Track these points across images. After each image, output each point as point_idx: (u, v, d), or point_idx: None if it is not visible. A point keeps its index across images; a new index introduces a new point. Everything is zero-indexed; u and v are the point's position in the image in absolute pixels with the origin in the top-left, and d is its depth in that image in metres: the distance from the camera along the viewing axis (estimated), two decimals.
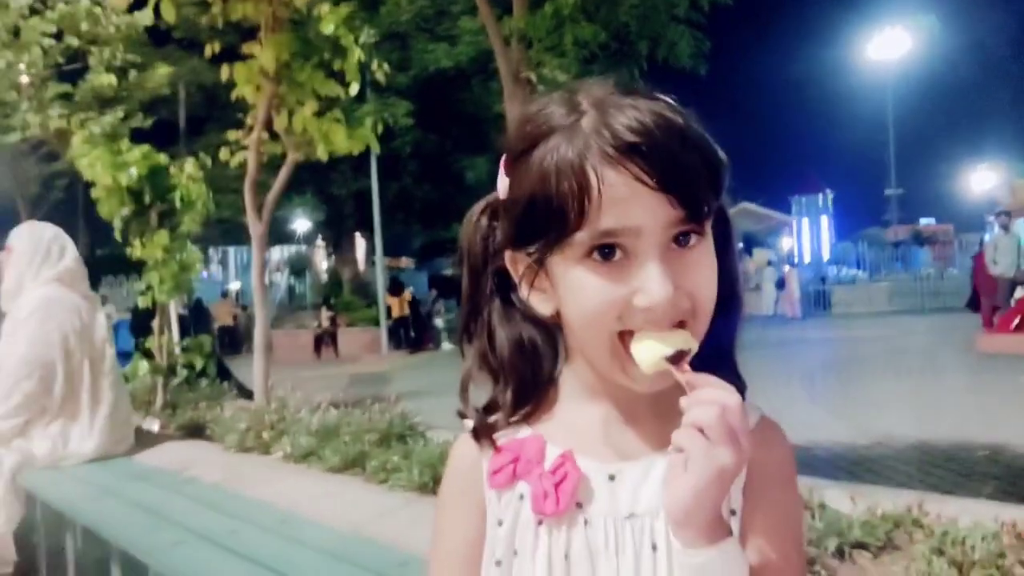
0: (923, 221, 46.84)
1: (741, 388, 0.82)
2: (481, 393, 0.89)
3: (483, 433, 0.87)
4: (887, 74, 34.61)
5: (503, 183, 0.80)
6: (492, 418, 0.87)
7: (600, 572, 0.79)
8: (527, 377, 0.86)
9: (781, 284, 24.72)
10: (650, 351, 0.72)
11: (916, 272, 25.90)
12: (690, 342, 0.73)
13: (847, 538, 2.68)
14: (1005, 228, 13.21)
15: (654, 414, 0.81)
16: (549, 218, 0.73)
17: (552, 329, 0.86)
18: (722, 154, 0.76)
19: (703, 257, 0.75)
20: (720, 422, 0.67)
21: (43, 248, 4.41)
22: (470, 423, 0.88)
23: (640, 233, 0.71)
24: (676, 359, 0.72)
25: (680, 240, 0.73)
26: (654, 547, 0.78)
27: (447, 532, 0.92)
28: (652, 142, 0.70)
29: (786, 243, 37.90)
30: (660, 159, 0.70)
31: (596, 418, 0.84)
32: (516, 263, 0.81)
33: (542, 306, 0.81)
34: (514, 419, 0.86)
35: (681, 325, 0.74)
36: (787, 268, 24.02)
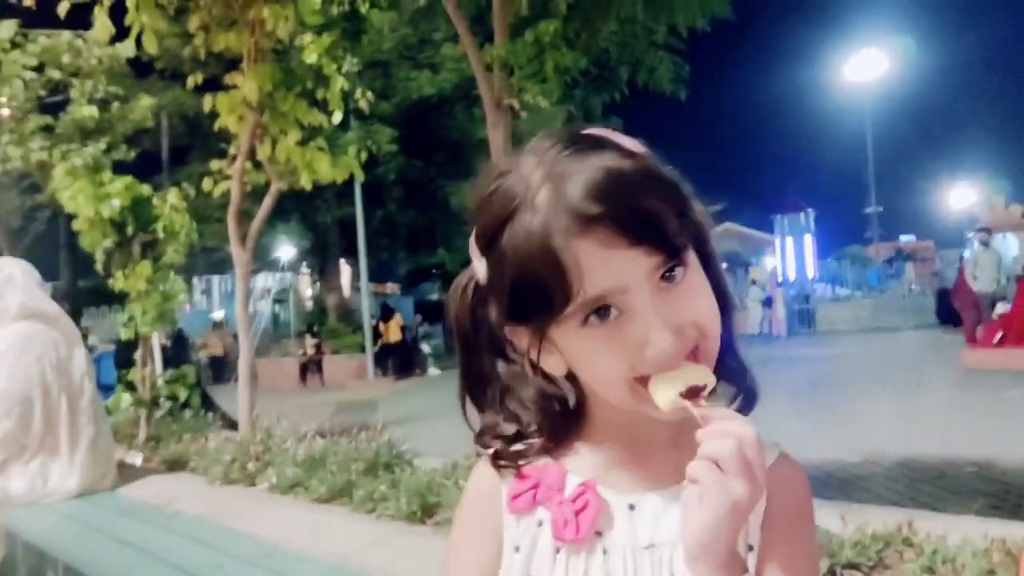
0: (903, 238, 47.28)
1: (752, 394, 0.84)
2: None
3: (508, 459, 0.87)
4: (865, 94, 35.12)
5: (480, 266, 0.80)
6: (517, 447, 0.87)
7: None
8: (558, 417, 0.87)
9: (769, 303, 24.86)
10: (666, 391, 0.73)
11: (898, 289, 26.10)
12: (706, 376, 0.73)
13: (839, 559, 2.68)
14: (985, 244, 13.36)
15: (674, 446, 0.82)
16: (536, 300, 0.73)
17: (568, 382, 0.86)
18: (678, 179, 0.77)
19: (694, 284, 0.76)
20: (735, 455, 0.67)
21: None
22: (490, 452, 0.88)
23: (627, 290, 0.72)
24: (692, 394, 0.72)
25: (667, 277, 0.74)
26: None
27: (462, 556, 0.92)
28: (612, 205, 0.70)
29: (769, 262, 38.15)
30: (624, 217, 0.70)
31: (616, 449, 0.84)
32: (517, 335, 0.81)
33: (555, 367, 0.81)
34: (534, 453, 0.87)
35: (694, 352, 0.75)
36: (774, 287, 24.17)
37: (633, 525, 0.81)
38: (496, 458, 0.88)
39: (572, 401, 0.87)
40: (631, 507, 0.81)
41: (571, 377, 0.85)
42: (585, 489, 0.81)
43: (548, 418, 0.87)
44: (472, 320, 0.86)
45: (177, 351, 16.63)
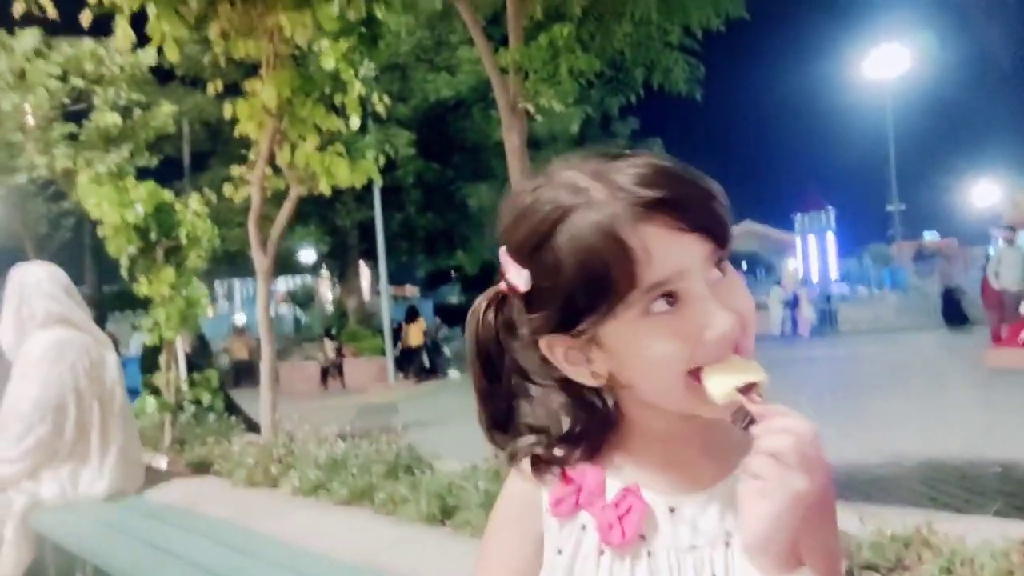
0: (927, 235, 46.74)
1: None
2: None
3: (550, 463, 0.88)
4: (885, 90, 34.74)
5: (521, 276, 0.80)
6: (558, 451, 0.88)
7: None
8: (596, 426, 0.88)
9: (791, 303, 24.68)
10: (723, 384, 0.74)
11: (920, 288, 25.77)
12: (759, 372, 0.75)
13: (857, 560, 2.67)
14: (1009, 242, 13.19)
15: (706, 451, 0.85)
16: (599, 291, 0.75)
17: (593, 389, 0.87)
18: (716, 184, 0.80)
19: (735, 277, 0.80)
20: (794, 450, 0.69)
21: (16, 292, 4.41)
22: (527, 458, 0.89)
23: (687, 275, 0.75)
24: (746, 390, 0.74)
25: (718, 265, 0.78)
26: None
27: (498, 555, 0.94)
28: (670, 190, 0.75)
29: (790, 261, 37.83)
30: (684, 201, 0.75)
31: (653, 453, 0.86)
32: (553, 347, 0.82)
33: (591, 379, 0.83)
34: (576, 458, 0.88)
35: (736, 348, 0.77)
36: (799, 287, 23.86)
37: (675, 527, 0.83)
38: (537, 462, 0.88)
39: (611, 405, 0.88)
40: (671, 510, 0.83)
41: (602, 391, 0.87)
42: (628, 493, 0.84)
43: (586, 427, 0.88)
44: (497, 343, 0.87)
45: (200, 356, 16.74)
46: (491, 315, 0.88)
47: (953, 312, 20.78)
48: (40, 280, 4.49)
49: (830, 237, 36.17)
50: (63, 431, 4.23)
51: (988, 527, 2.92)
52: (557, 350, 0.82)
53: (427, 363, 19.32)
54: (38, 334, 4.33)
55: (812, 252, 35.85)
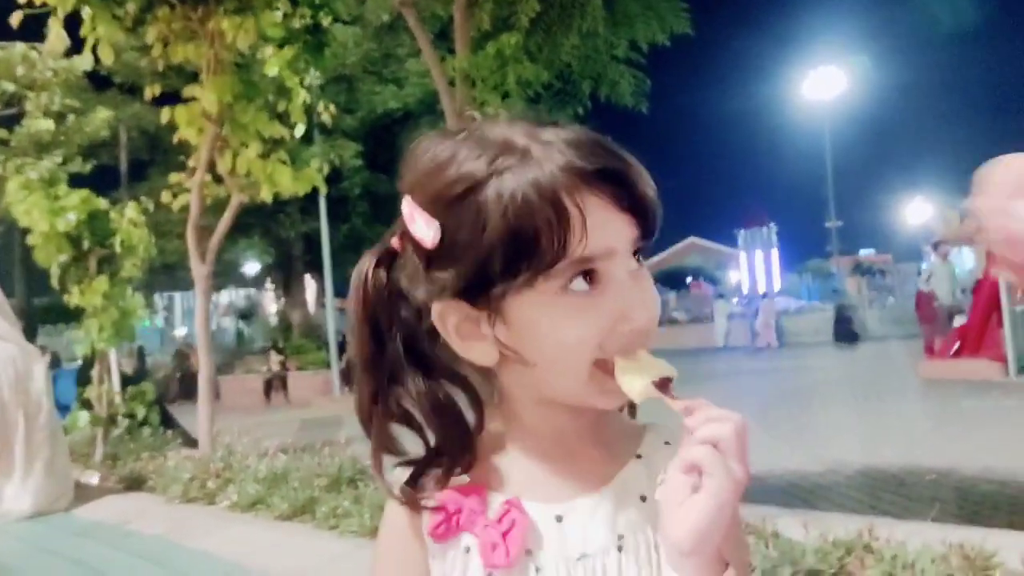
0: (863, 252, 48.19)
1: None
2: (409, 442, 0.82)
3: (421, 492, 0.80)
4: (823, 111, 35.82)
5: (430, 231, 0.73)
6: (424, 479, 0.80)
7: None
8: (452, 434, 0.80)
9: (734, 316, 25.15)
10: (639, 380, 0.70)
11: (857, 300, 26.53)
12: (670, 368, 0.72)
13: (801, 566, 2.70)
14: (943, 257, 13.66)
15: (595, 446, 0.79)
16: (523, 256, 0.69)
17: (471, 384, 0.81)
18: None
19: (647, 271, 0.76)
20: (735, 436, 0.65)
21: None
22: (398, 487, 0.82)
23: (614, 255, 0.71)
24: (661, 385, 0.70)
25: (636, 259, 0.74)
26: None
27: None
28: (611, 161, 0.71)
29: (733, 276, 38.63)
30: (622, 177, 0.71)
31: (536, 458, 0.80)
32: (447, 315, 0.75)
33: (483, 356, 0.76)
34: (451, 479, 0.81)
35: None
36: (764, 300, 24.21)
37: (563, 537, 0.77)
38: (409, 496, 0.80)
39: (471, 414, 0.81)
40: (558, 518, 0.77)
41: (471, 392, 0.81)
42: (510, 508, 0.77)
43: (442, 433, 0.80)
44: (386, 302, 0.79)
45: (136, 369, 16.35)
46: (382, 274, 0.80)
47: (844, 330, 21.66)
48: None
49: (771, 253, 37.06)
50: None
51: (927, 531, 2.97)
52: (450, 319, 0.75)
53: None
54: None
55: (757, 266, 36.68)
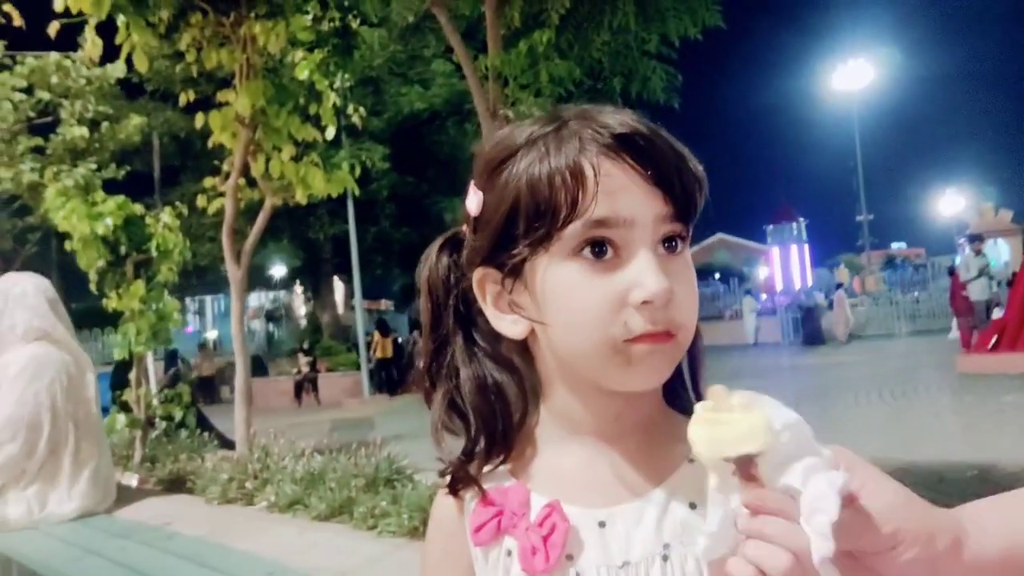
0: (895, 245, 47.56)
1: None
2: (457, 442, 0.83)
3: (462, 483, 0.82)
4: (852, 103, 35.38)
5: (475, 199, 0.77)
6: (470, 467, 0.81)
7: None
8: (495, 422, 0.81)
9: (762, 313, 24.91)
10: (713, 444, 0.60)
11: (891, 296, 26.15)
12: (763, 436, 0.59)
13: None
14: (978, 251, 13.45)
15: (643, 448, 0.77)
16: (539, 213, 0.71)
17: (519, 371, 0.82)
18: (701, 168, 0.76)
19: (688, 266, 0.74)
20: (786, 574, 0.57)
21: (2, 302, 4.27)
22: (447, 479, 0.83)
23: (633, 225, 0.70)
24: (745, 461, 0.59)
25: (667, 245, 0.72)
26: None
27: None
28: (645, 137, 0.71)
29: (762, 272, 38.25)
30: (653, 153, 0.71)
31: (581, 460, 0.78)
32: (484, 284, 0.78)
33: (513, 328, 0.77)
34: (488, 468, 0.81)
35: (669, 335, 0.71)
36: (839, 292, 23.63)
37: (605, 543, 0.75)
38: (452, 482, 0.82)
39: (517, 407, 0.81)
40: (601, 524, 0.75)
41: (520, 384, 0.81)
42: (551, 511, 0.75)
43: (484, 420, 0.81)
44: (444, 283, 0.83)
45: (172, 371, 16.62)
46: (444, 257, 0.84)
47: (810, 330, 21.39)
48: (25, 292, 4.35)
49: (801, 248, 36.65)
50: (35, 451, 4.10)
51: None
52: (487, 288, 0.78)
53: (394, 375, 19.20)
54: (17, 349, 4.19)
55: (787, 262, 36.30)
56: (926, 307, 23.40)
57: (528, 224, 0.71)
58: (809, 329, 21.77)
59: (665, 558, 0.73)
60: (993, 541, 0.65)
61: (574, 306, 0.71)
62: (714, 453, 0.60)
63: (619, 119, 0.72)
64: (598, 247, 0.70)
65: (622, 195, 0.70)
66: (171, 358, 17.71)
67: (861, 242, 37.55)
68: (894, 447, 6.73)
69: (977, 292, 13.01)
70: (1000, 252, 23.80)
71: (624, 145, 0.70)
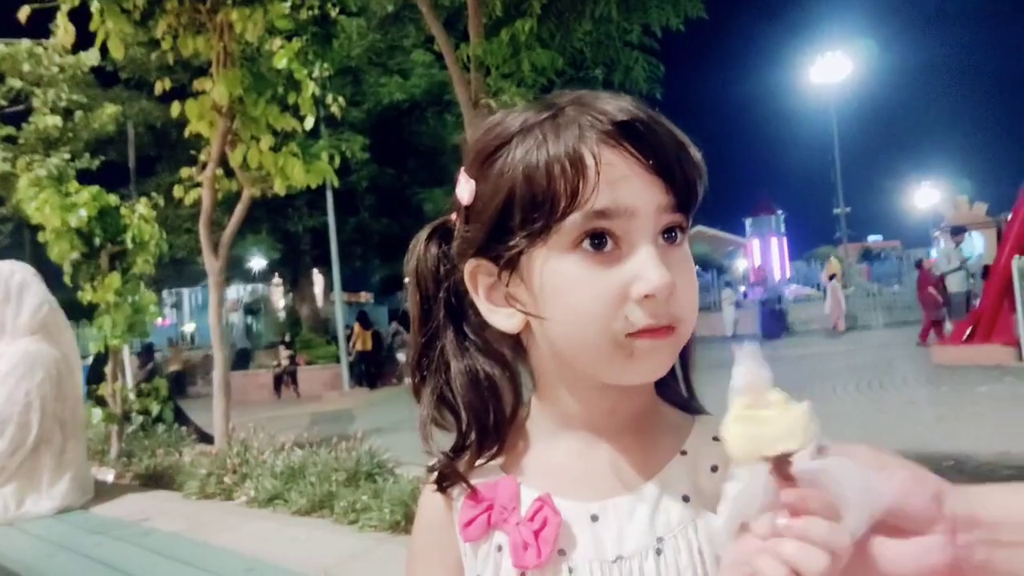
0: (871, 238, 48.07)
1: (696, 410, 0.80)
2: (444, 436, 0.82)
3: (451, 479, 0.80)
4: (830, 96, 35.66)
5: (467, 188, 0.75)
6: (459, 462, 0.80)
7: None
8: (486, 417, 0.79)
9: (740, 305, 25.10)
10: (751, 441, 0.58)
11: (867, 288, 26.40)
12: (803, 435, 0.57)
13: None
14: (957, 243, 13.62)
15: (636, 440, 0.76)
16: (536, 204, 0.68)
17: (510, 364, 0.80)
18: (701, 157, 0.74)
19: (688, 258, 0.73)
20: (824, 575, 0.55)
21: (3, 289, 4.18)
22: (434, 475, 0.82)
23: (634, 215, 0.68)
24: (782, 459, 0.57)
25: (667, 236, 0.71)
26: None
27: None
28: (645, 124, 0.69)
29: (740, 264, 38.55)
30: (654, 141, 0.69)
31: (573, 453, 0.77)
32: (477, 276, 0.76)
33: (508, 321, 0.75)
34: (479, 462, 0.80)
35: (670, 329, 0.69)
36: (832, 283, 23.65)
37: (597, 537, 0.74)
38: (440, 479, 0.80)
39: (508, 400, 0.79)
40: (594, 518, 0.74)
41: (511, 378, 0.79)
42: (543, 505, 0.74)
43: (475, 413, 0.79)
44: (434, 273, 0.81)
45: (148, 364, 16.46)
46: (433, 247, 0.82)
47: (771, 323, 21.70)
48: (27, 281, 4.26)
49: (779, 241, 36.96)
50: (21, 449, 4.02)
51: None
52: (479, 280, 0.75)
53: (374, 368, 19.15)
54: (9, 343, 4.10)
55: (765, 254, 36.59)
56: (901, 299, 23.64)
57: (525, 215, 0.69)
58: (767, 322, 21.96)
59: (659, 552, 0.72)
60: None
61: (574, 300, 0.69)
62: (751, 452, 0.58)
63: (618, 105, 0.70)
64: (598, 239, 0.68)
65: (623, 185, 0.68)
66: (147, 352, 17.53)
67: (839, 235, 37.89)
68: (871, 438, 6.77)
69: (956, 284, 13.17)
70: (975, 245, 24.08)
71: (624, 133, 0.68)
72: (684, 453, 0.76)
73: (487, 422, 0.79)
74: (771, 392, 0.59)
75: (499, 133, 0.73)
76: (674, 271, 0.68)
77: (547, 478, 0.77)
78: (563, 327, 0.71)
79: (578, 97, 0.72)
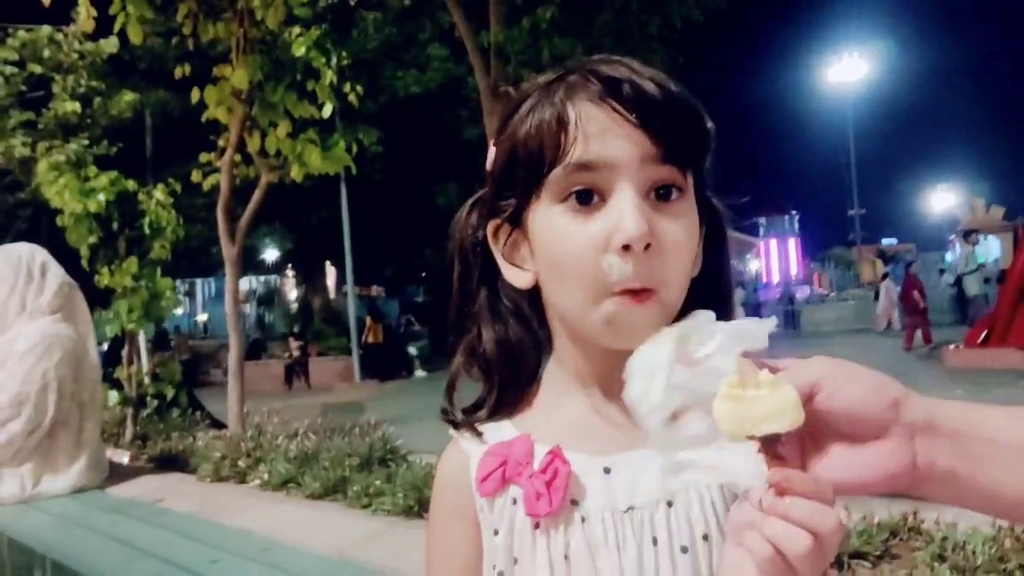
0: (885, 240, 47.74)
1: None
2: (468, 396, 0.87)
3: (465, 425, 0.84)
4: (847, 98, 35.46)
5: (490, 155, 0.80)
6: (478, 416, 0.84)
7: (602, 569, 0.74)
8: (510, 376, 0.84)
9: (752, 305, 25.00)
10: (739, 421, 0.59)
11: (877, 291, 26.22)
12: (792, 414, 0.58)
13: (845, 548, 2.65)
14: (975, 245, 13.55)
15: None
16: (529, 161, 0.73)
17: (535, 326, 0.84)
18: (709, 121, 0.75)
19: (683, 217, 0.73)
20: (807, 556, 0.55)
21: (23, 270, 4.20)
22: (454, 431, 0.86)
23: (615, 167, 0.69)
24: (770, 440, 0.58)
25: (660, 194, 0.71)
26: (655, 541, 0.74)
27: (442, 547, 0.87)
28: (634, 83, 0.71)
29: (753, 265, 38.36)
30: (641, 95, 0.70)
31: (586, 409, 0.80)
32: (498, 235, 0.81)
33: (520, 278, 0.79)
34: (498, 416, 0.84)
35: (648, 293, 0.69)
36: (886, 282, 23.24)
37: (609, 488, 0.76)
38: (457, 427, 0.85)
39: (531, 362, 0.84)
40: (606, 470, 0.76)
41: (536, 342, 0.83)
42: (553, 457, 0.76)
43: (501, 372, 0.83)
44: (472, 240, 0.85)
45: (161, 350, 16.56)
46: (474, 215, 0.86)
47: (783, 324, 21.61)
48: (46, 262, 4.29)
49: (792, 241, 36.77)
50: (38, 430, 4.05)
51: (971, 515, 2.91)
52: (500, 239, 0.81)
53: (385, 360, 19.17)
54: (28, 323, 4.12)
55: (779, 254, 36.42)
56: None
57: (520, 172, 0.74)
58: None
59: (670, 504, 0.74)
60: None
61: (558, 252, 0.72)
62: (740, 431, 0.58)
63: (614, 67, 0.72)
64: (585, 194, 0.70)
65: (604, 137, 0.70)
66: (162, 338, 17.65)
67: (852, 236, 37.68)
68: None
69: (973, 286, 13.10)
70: (990, 249, 23.90)
71: (611, 91, 0.70)
72: None
73: (512, 380, 0.83)
74: (761, 373, 0.60)
75: (513, 100, 0.79)
76: (663, 230, 0.69)
77: (560, 433, 0.79)
78: (551, 280, 0.75)
79: (583, 62, 0.76)
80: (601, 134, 0.70)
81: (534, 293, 0.81)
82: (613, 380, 0.75)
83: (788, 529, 0.55)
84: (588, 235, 0.69)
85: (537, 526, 0.77)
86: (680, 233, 0.72)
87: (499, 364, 0.83)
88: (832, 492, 0.58)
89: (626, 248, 0.68)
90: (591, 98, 0.71)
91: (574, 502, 0.76)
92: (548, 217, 0.73)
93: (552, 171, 0.71)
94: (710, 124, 0.75)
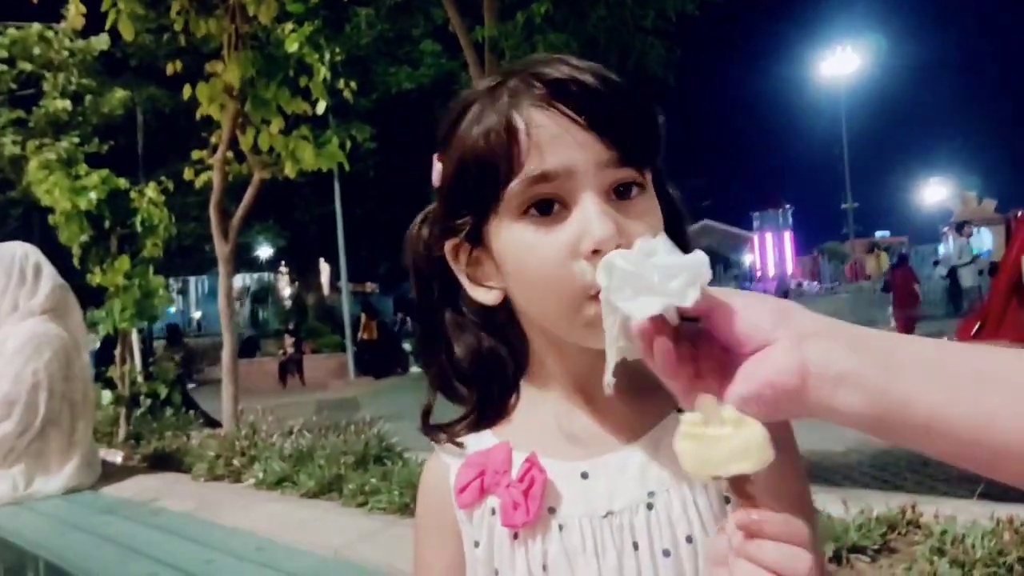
0: (878, 234, 47.91)
1: None
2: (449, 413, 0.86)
3: (446, 438, 0.83)
4: (840, 91, 35.51)
5: (436, 169, 0.77)
6: (457, 429, 0.83)
7: None
8: (491, 387, 0.82)
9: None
10: (702, 462, 0.56)
11: (871, 284, 26.34)
12: (760, 453, 0.56)
13: (844, 542, 2.64)
14: (968, 237, 13.62)
15: (629, 398, 0.75)
16: (480, 177, 0.70)
17: (508, 335, 0.81)
18: (657, 110, 0.74)
19: (646, 213, 0.72)
20: None
21: (16, 270, 4.17)
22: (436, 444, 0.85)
23: (573, 175, 0.68)
24: (740, 481, 0.56)
25: (620, 191, 0.70)
26: (635, 546, 0.72)
27: (426, 559, 0.87)
28: (579, 83, 0.69)
29: (747, 258, 38.47)
30: (588, 98, 0.69)
31: (562, 413, 0.78)
32: (457, 254, 0.78)
33: (486, 296, 0.77)
34: (477, 431, 0.82)
35: None
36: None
37: (587, 494, 0.74)
38: (435, 437, 0.83)
39: (511, 370, 0.81)
40: (584, 475, 0.75)
41: (511, 348, 0.81)
42: (530, 465, 0.75)
43: (480, 385, 0.81)
44: (426, 256, 0.82)
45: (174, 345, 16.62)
46: (425, 230, 0.84)
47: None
48: (41, 262, 4.26)
49: (786, 235, 36.86)
50: (29, 430, 4.03)
51: (972, 508, 2.92)
52: (461, 258, 0.78)
53: (380, 357, 19.16)
54: (18, 323, 4.09)
55: (781, 247, 36.51)
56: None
57: (472, 188, 0.71)
58: None
59: (650, 506, 0.72)
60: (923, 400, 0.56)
61: (528, 266, 0.70)
62: (704, 472, 0.56)
63: (556, 68, 0.70)
64: (545, 205, 0.69)
65: (556, 145, 0.68)
66: (173, 334, 17.71)
67: (846, 230, 37.78)
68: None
69: (968, 278, 13.16)
70: (983, 241, 23.99)
71: (557, 94, 0.68)
72: (680, 411, 0.75)
73: (491, 393, 0.81)
74: (725, 409, 0.57)
75: (452, 111, 0.75)
76: (630, 228, 0.68)
77: (538, 438, 0.78)
78: (524, 293, 0.73)
79: (524, 64, 0.74)
80: (553, 142, 0.68)
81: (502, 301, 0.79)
82: (591, 379, 0.75)
83: (757, 573, 0.54)
84: (556, 245, 0.68)
85: (516, 536, 0.76)
86: (645, 229, 0.70)
87: (479, 379, 0.81)
88: (806, 533, 0.55)
89: (596, 252, 0.66)
90: (536, 103, 0.69)
91: (552, 510, 0.75)
92: (511, 233, 0.71)
93: (508, 184, 0.69)
94: (661, 117, 0.74)
